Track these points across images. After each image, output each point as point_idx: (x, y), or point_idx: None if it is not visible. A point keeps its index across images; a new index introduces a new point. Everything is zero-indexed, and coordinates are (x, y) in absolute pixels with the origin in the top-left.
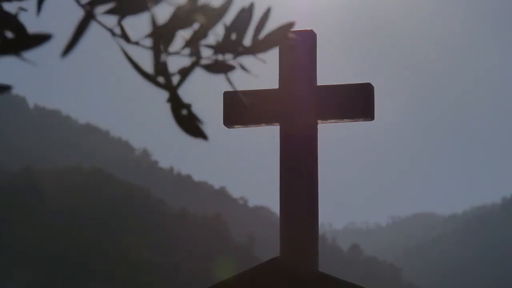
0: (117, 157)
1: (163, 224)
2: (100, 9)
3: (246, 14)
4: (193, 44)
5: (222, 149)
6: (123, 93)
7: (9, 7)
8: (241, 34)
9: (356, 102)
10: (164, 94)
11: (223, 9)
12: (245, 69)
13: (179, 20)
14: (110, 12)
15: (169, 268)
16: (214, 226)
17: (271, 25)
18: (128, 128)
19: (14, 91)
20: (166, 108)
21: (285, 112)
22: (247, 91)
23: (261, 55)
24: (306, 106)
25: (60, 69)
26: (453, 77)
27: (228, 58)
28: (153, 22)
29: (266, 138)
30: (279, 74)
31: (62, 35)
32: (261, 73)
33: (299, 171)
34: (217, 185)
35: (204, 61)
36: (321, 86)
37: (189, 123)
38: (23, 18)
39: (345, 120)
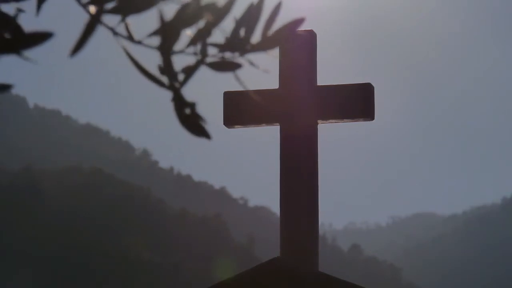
0: (117, 157)
1: (163, 224)
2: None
3: (255, 10)
4: (198, 42)
5: (222, 149)
6: (123, 93)
7: (6, 8)
8: (250, 30)
9: (356, 102)
10: (165, 94)
11: (227, 7)
12: (254, 65)
13: (183, 18)
14: (113, 11)
15: (169, 268)
16: (214, 226)
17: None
18: (128, 128)
19: (14, 91)
20: (169, 107)
21: (285, 112)
22: (246, 91)
23: (270, 52)
24: (306, 106)
25: (60, 69)
26: (453, 77)
27: (235, 56)
28: (161, 19)
29: (266, 138)
30: (279, 74)
31: (62, 35)
32: (262, 71)
33: (299, 171)
34: (217, 185)
35: (209, 59)
36: (321, 86)
37: (192, 122)
38: (22, 19)
39: (345, 120)
